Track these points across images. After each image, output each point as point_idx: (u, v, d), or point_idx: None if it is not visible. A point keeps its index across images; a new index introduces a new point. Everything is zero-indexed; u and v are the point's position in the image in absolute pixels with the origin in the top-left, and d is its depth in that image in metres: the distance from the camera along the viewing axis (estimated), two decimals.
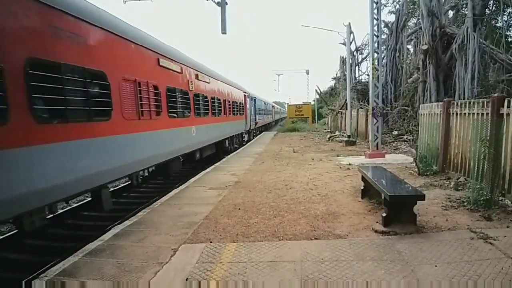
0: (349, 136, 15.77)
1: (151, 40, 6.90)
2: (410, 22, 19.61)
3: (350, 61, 19.38)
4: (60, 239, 5.40)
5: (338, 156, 11.01)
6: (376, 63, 10.30)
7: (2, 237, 5.28)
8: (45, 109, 3.92)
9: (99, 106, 4.81)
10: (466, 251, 3.36)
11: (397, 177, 5.23)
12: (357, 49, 22.67)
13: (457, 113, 6.54)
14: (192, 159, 9.68)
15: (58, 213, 5.72)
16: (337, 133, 20.38)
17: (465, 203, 4.85)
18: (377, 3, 10.07)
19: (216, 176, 8.23)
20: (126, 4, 11.55)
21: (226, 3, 11.09)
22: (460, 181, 6.04)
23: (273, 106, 39.19)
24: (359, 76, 23.15)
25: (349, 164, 9.06)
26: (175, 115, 7.68)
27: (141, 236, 4.24)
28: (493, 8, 14.06)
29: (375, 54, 10.30)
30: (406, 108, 15.21)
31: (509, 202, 4.71)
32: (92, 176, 4.66)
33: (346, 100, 18.49)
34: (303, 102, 34.09)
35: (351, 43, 19.26)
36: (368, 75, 18.10)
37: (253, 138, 21.01)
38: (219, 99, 12.25)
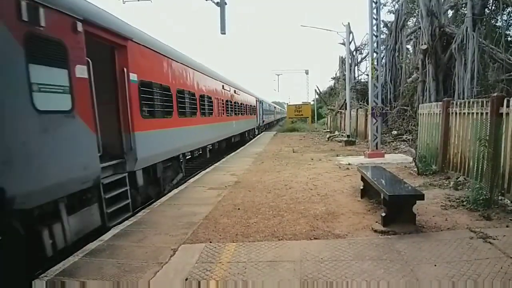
0: (348, 136, 15.78)
1: (223, 76, 13.71)
2: (410, 21, 19.65)
3: (350, 61, 19.43)
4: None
5: (337, 156, 11.02)
6: (376, 63, 10.30)
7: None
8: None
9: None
10: (466, 250, 3.36)
11: (397, 177, 5.24)
12: (356, 49, 22.69)
13: (456, 113, 6.55)
14: (231, 142, 15.12)
15: None
16: (336, 133, 20.39)
17: (465, 203, 4.85)
18: (376, 2, 10.07)
19: (216, 176, 8.23)
20: (126, 4, 11.56)
21: (225, 3, 11.10)
22: (460, 181, 6.05)
23: (274, 107, 44.90)
24: (358, 76, 23.17)
25: (349, 164, 9.06)
26: (229, 114, 14.03)
27: (140, 236, 4.24)
28: (493, 7, 14.06)
29: (375, 54, 10.30)
30: (405, 107, 15.22)
31: (509, 201, 4.72)
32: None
33: (345, 100, 18.51)
34: (303, 102, 34.15)
35: (350, 43, 19.32)
36: (367, 75, 18.10)
37: (261, 133, 26.66)
38: (244, 105, 18.59)
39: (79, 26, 4.18)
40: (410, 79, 15.87)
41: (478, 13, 11.85)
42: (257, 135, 23.65)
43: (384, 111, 10.69)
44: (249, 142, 18.29)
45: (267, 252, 3.57)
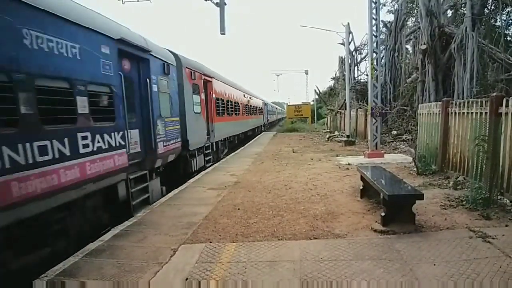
0: (348, 136, 15.78)
1: (244, 87, 19.79)
2: (409, 21, 19.65)
3: (349, 61, 19.42)
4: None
5: (337, 156, 11.03)
6: (375, 63, 10.31)
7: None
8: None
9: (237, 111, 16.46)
10: (465, 250, 3.37)
11: (396, 177, 5.25)
12: (356, 49, 22.67)
13: (455, 113, 6.56)
14: (247, 135, 19.98)
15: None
16: (336, 133, 20.40)
17: (464, 202, 4.86)
18: (375, 3, 10.08)
19: (216, 177, 8.24)
20: (125, 5, 11.59)
21: (225, 4, 11.11)
22: (459, 180, 6.06)
23: (276, 108, 51.06)
24: (358, 76, 23.13)
25: (348, 164, 9.07)
26: (246, 114, 19.10)
27: (140, 236, 4.25)
28: (492, 7, 14.07)
29: (374, 54, 10.31)
30: (405, 107, 15.23)
31: (508, 201, 4.73)
32: (240, 130, 16.62)
33: (345, 100, 18.51)
34: (302, 102, 34.07)
35: (350, 43, 19.31)
36: (367, 75, 18.12)
37: (266, 129, 31.77)
38: (255, 107, 24.18)
39: (202, 77, 9.82)
40: (410, 79, 15.88)
41: (478, 13, 11.86)
42: (263, 131, 29.53)
43: (383, 111, 10.68)
44: (249, 143, 18.42)
45: (267, 252, 3.58)
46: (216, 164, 10.53)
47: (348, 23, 17.12)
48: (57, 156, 3.67)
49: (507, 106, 4.89)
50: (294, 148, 13.78)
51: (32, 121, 3.37)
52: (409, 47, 18.65)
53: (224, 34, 11.25)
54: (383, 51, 16.96)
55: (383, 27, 17.93)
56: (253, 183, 7.17)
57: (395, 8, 18.62)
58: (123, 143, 5.11)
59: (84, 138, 4.19)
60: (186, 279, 3.07)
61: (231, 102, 14.59)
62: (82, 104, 4.18)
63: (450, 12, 15.80)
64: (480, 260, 3.12)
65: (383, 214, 4.11)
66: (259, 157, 11.55)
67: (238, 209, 5.23)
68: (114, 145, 4.87)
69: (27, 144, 3.29)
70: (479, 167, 5.45)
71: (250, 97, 21.05)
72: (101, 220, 4.92)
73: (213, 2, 10.97)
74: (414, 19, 19.39)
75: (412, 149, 10.55)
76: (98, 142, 4.49)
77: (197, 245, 3.87)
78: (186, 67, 8.41)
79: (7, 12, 3.16)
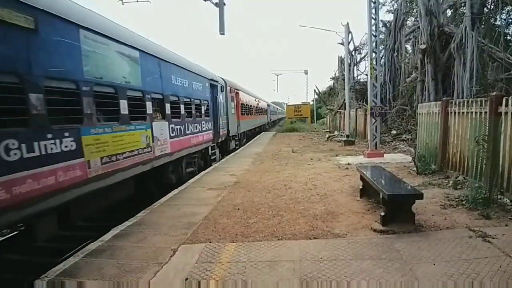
0: (348, 136, 15.79)
1: (254, 92, 25.34)
2: (409, 21, 19.61)
3: (349, 61, 19.43)
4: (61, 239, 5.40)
5: (337, 155, 11.03)
6: (375, 63, 10.31)
7: (3, 238, 5.29)
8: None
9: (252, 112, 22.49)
10: (465, 249, 3.37)
11: (396, 176, 5.24)
12: (355, 49, 22.68)
13: (455, 112, 6.56)
14: (256, 130, 24.80)
15: None
16: (336, 133, 20.40)
17: (464, 202, 4.87)
18: (375, 2, 10.07)
19: (215, 177, 8.24)
20: (125, 6, 11.60)
21: (224, 4, 11.10)
22: (459, 180, 6.06)
23: (277, 109, 55.60)
24: (357, 76, 23.16)
25: (348, 164, 9.07)
26: (256, 114, 24.30)
27: (140, 236, 4.25)
28: (492, 6, 14.04)
29: (373, 54, 10.30)
30: (404, 107, 15.23)
31: (508, 200, 4.73)
32: (253, 126, 22.71)
33: (344, 100, 18.52)
34: (302, 102, 34.12)
35: (349, 43, 19.31)
36: (366, 74, 18.15)
37: (269, 127, 35.38)
38: (262, 108, 28.52)
39: (234, 90, 15.19)
40: (409, 78, 15.86)
41: (477, 12, 11.84)
42: (267, 127, 33.92)
43: (383, 111, 10.67)
44: (249, 143, 18.54)
45: (267, 252, 3.58)
46: (216, 164, 10.53)
47: (348, 23, 17.12)
48: (195, 130, 8.95)
49: (506, 105, 4.89)
50: (293, 148, 13.78)
51: (190, 116, 8.61)
52: (408, 46, 18.63)
53: (223, 34, 11.24)
54: (383, 51, 16.94)
55: (382, 26, 17.95)
56: (253, 183, 7.17)
57: (395, 7, 18.59)
58: (210, 128, 10.66)
59: (203, 123, 9.70)
60: (186, 279, 3.07)
61: (248, 105, 20.15)
62: (205, 109, 10.06)
63: (450, 11, 15.78)
64: (480, 260, 3.12)
65: (382, 213, 4.11)
66: (258, 157, 11.56)
67: (238, 209, 5.23)
68: (208, 128, 10.30)
69: (191, 125, 8.58)
70: (479, 167, 5.45)
71: (258, 101, 26.39)
72: (202, 163, 10.35)
73: (212, 3, 10.96)
74: (413, 19, 19.36)
75: (411, 149, 10.56)
76: (204, 126, 9.88)
77: (197, 245, 3.87)
78: (229, 86, 13.92)
79: (187, 74, 8.59)
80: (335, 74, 29.44)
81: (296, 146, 14.99)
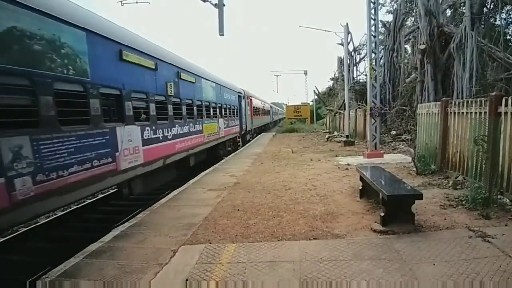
0: (347, 136, 15.81)
1: (260, 97, 29.98)
2: (408, 21, 19.64)
3: (348, 62, 19.46)
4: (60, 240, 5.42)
5: (336, 156, 11.04)
6: (374, 63, 10.32)
7: (3, 239, 5.30)
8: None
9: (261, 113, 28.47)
10: (465, 249, 3.38)
11: (395, 177, 5.25)
12: (355, 49, 22.74)
13: (455, 112, 6.57)
14: (261, 128, 29.14)
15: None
16: (335, 133, 20.42)
17: (464, 202, 4.87)
18: (374, 3, 10.08)
19: (215, 178, 8.24)
20: (124, 6, 11.65)
21: (224, 5, 11.11)
22: (459, 180, 6.07)
23: (278, 110, 59.16)
24: (357, 76, 23.23)
25: (348, 164, 9.08)
26: (262, 115, 29.22)
27: (140, 237, 4.26)
28: (491, 6, 14.05)
29: (373, 54, 10.31)
30: (404, 107, 15.25)
31: (508, 200, 4.73)
32: (260, 124, 27.95)
33: (344, 100, 18.54)
34: (302, 103, 34.11)
35: (348, 43, 19.34)
36: (366, 75, 18.13)
37: (271, 126, 39.26)
38: (265, 109, 31.96)
39: (249, 97, 21.09)
40: (409, 79, 15.88)
41: (477, 12, 11.86)
42: (271, 127, 38.11)
43: (383, 111, 10.68)
44: (248, 143, 18.68)
45: (267, 252, 3.58)
46: (216, 165, 10.54)
47: (347, 24, 17.13)
48: (230, 125, 14.65)
49: (506, 105, 4.89)
50: (293, 149, 13.80)
51: (231, 116, 14.96)
52: (408, 47, 18.68)
53: (223, 35, 11.23)
54: (382, 51, 16.97)
55: (382, 27, 17.95)
56: (253, 184, 7.17)
57: (394, 8, 18.58)
58: (238, 124, 16.43)
59: (234, 120, 15.45)
60: (186, 280, 3.07)
61: (257, 108, 24.90)
62: (236, 112, 16.19)
63: (449, 11, 15.82)
64: (480, 260, 3.13)
65: (382, 214, 4.12)
66: (258, 158, 11.56)
67: (238, 210, 5.24)
68: (236, 124, 15.90)
69: (230, 121, 14.78)
70: (479, 167, 5.45)
71: (264, 104, 30.82)
72: (232, 148, 15.59)
73: (211, 3, 10.97)
74: (413, 19, 19.39)
75: (411, 149, 10.56)
76: (235, 122, 15.88)
77: (197, 246, 3.87)
78: (246, 94, 19.34)
79: (229, 91, 15.11)
80: (334, 74, 29.53)
81: (296, 146, 15.01)
